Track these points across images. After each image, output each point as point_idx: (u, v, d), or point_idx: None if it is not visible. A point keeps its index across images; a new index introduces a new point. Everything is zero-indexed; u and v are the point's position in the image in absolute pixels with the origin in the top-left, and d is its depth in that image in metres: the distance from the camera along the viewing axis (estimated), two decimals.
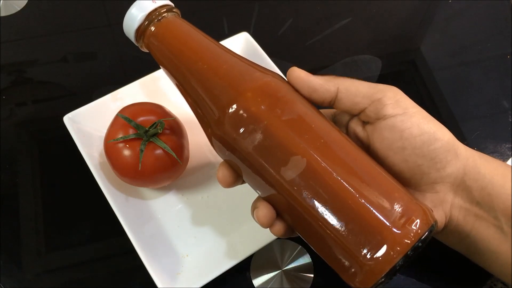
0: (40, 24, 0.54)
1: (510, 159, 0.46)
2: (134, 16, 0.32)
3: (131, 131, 0.38)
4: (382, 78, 0.52)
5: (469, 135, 0.48)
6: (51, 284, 0.40)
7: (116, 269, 0.41)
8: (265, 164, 0.28)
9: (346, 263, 0.27)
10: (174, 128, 0.40)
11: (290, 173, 0.27)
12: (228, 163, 0.31)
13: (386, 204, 0.27)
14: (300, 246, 0.41)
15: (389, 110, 0.30)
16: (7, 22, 0.54)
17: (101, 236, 0.42)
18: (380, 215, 0.26)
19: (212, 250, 0.40)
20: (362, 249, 0.26)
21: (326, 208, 0.27)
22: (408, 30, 0.57)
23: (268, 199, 0.30)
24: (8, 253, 0.41)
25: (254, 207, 0.31)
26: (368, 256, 0.26)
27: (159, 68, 0.46)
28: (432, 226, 0.27)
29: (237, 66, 0.30)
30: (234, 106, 0.28)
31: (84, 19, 0.55)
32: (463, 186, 0.31)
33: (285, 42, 0.54)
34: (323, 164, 0.27)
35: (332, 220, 0.27)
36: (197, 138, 0.43)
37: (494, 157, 0.47)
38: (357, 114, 0.32)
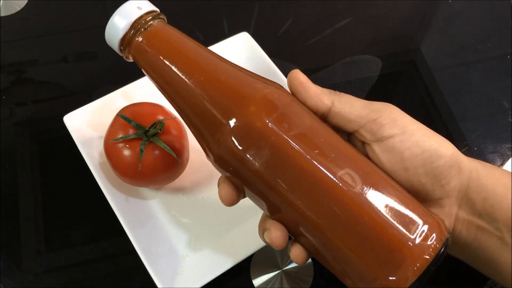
0: (40, 24, 0.54)
1: (510, 159, 0.46)
2: (117, 26, 0.29)
3: (131, 131, 0.38)
4: (382, 78, 0.52)
5: (469, 135, 0.48)
6: (51, 284, 0.40)
7: (116, 269, 0.41)
8: (276, 182, 0.27)
9: (365, 282, 0.26)
10: (174, 128, 0.40)
11: (303, 191, 0.26)
12: (229, 179, 0.30)
13: (403, 220, 0.26)
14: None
15: (387, 131, 0.29)
16: (7, 22, 0.54)
17: (101, 236, 0.42)
18: (398, 232, 0.26)
19: (212, 250, 0.40)
20: (381, 268, 0.25)
21: (342, 226, 0.26)
22: (408, 30, 0.57)
23: (278, 219, 0.29)
24: (8, 253, 0.41)
25: (263, 228, 0.30)
26: (387, 275, 0.25)
27: None
28: (447, 240, 0.27)
29: (236, 77, 0.28)
30: (237, 121, 0.26)
31: (84, 19, 0.55)
32: (466, 199, 0.30)
33: (285, 42, 0.54)
34: (335, 180, 0.26)
35: (349, 238, 0.26)
36: None
37: (494, 157, 0.47)
38: (351, 132, 0.31)
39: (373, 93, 0.51)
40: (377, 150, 0.29)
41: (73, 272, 0.41)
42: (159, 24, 0.30)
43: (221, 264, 0.38)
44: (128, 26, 0.29)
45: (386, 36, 0.56)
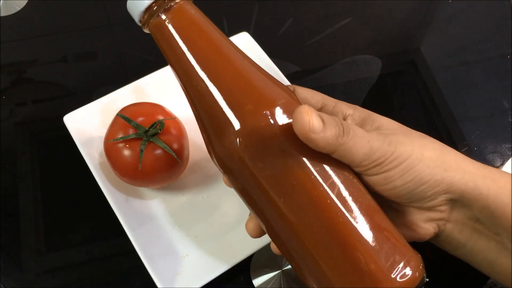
0: (40, 24, 0.54)
1: (510, 159, 0.46)
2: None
3: (131, 131, 0.38)
4: (382, 78, 0.52)
5: (469, 135, 0.48)
6: (51, 284, 0.40)
7: (116, 269, 0.41)
8: (267, 194, 0.27)
9: None
10: (174, 128, 0.40)
11: (295, 204, 0.26)
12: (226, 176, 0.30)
13: (384, 254, 0.26)
14: None
15: (376, 170, 0.29)
16: (7, 22, 0.54)
17: (101, 236, 0.42)
18: (377, 265, 0.26)
19: (212, 250, 0.40)
20: None
21: (324, 245, 0.26)
22: (408, 30, 0.57)
23: (260, 221, 0.30)
24: (8, 253, 0.41)
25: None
26: None
27: (159, 68, 0.46)
28: (423, 278, 0.27)
29: (254, 76, 0.28)
30: (244, 125, 0.26)
31: (84, 19, 0.55)
32: (460, 204, 0.31)
33: (285, 42, 0.54)
34: (331, 200, 0.26)
35: (328, 259, 0.26)
36: (197, 138, 0.43)
37: (494, 157, 0.47)
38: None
39: (373, 93, 0.51)
40: (361, 177, 0.30)
41: (73, 272, 0.41)
42: (185, 3, 0.28)
43: (221, 264, 0.38)
44: (151, 2, 0.27)
45: (386, 36, 0.56)
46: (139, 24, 0.29)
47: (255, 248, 0.39)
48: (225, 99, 0.27)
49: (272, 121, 0.27)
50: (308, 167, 0.27)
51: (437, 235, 0.32)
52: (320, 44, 0.54)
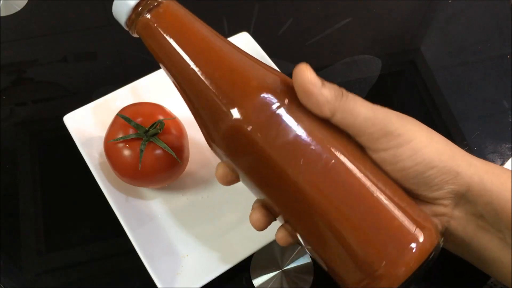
0: (40, 24, 0.54)
1: (510, 159, 0.46)
2: (125, 1, 0.28)
3: (131, 131, 0.38)
4: (382, 78, 0.52)
5: (469, 135, 0.48)
6: (51, 284, 0.40)
7: (116, 269, 0.41)
8: (277, 164, 0.27)
9: (352, 273, 0.26)
10: (174, 128, 0.40)
11: (306, 174, 0.26)
12: (226, 164, 0.30)
13: (399, 218, 0.26)
14: (300, 246, 0.41)
15: (383, 144, 0.29)
16: (7, 22, 0.54)
17: (101, 236, 0.42)
18: (393, 229, 0.26)
19: (212, 250, 0.40)
20: (373, 262, 0.26)
21: (341, 213, 0.26)
22: (408, 30, 0.57)
23: (269, 203, 0.29)
24: (8, 253, 0.41)
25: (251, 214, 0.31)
26: (372, 277, 0.25)
27: (159, 68, 0.46)
28: (439, 244, 0.27)
29: (245, 63, 0.28)
30: (242, 105, 0.27)
31: (84, 19, 0.55)
32: (465, 200, 0.30)
33: (285, 42, 0.54)
34: (338, 166, 0.26)
35: (345, 226, 0.26)
36: (197, 138, 0.43)
37: (494, 157, 0.47)
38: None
39: (373, 93, 0.51)
40: (370, 154, 0.30)
41: (73, 272, 0.41)
42: (169, 2, 0.29)
43: (221, 264, 0.38)
44: (135, 3, 0.28)
45: (386, 36, 0.56)
46: (126, 28, 0.30)
47: (255, 248, 0.39)
48: (228, 78, 0.27)
49: (279, 91, 0.27)
50: (322, 131, 0.27)
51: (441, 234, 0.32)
52: (320, 44, 0.54)
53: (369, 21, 0.57)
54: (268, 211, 0.31)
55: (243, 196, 0.42)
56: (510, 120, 0.50)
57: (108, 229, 0.42)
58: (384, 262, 0.25)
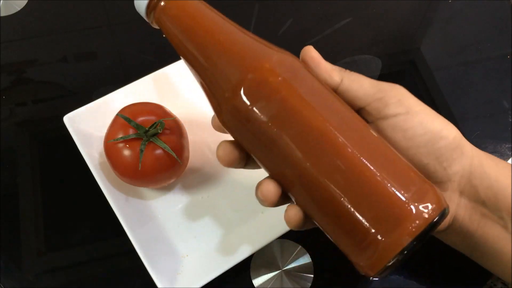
0: (40, 24, 0.54)
1: (510, 159, 0.46)
2: None
3: (131, 131, 0.38)
4: (382, 78, 0.52)
5: (469, 135, 0.48)
6: (51, 284, 0.40)
7: (116, 269, 0.41)
8: (281, 135, 0.27)
9: (359, 240, 0.27)
10: (174, 128, 0.40)
11: (308, 145, 0.27)
12: (234, 142, 0.30)
13: (402, 182, 0.27)
14: (300, 246, 0.41)
15: (392, 109, 0.30)
16: (7, 22, 0.54)
17: (101, 236, 0.42)
18: (397, 192, 0.26)
19: (212, 250, 0.40)
20: (377, 225, 0.26)
21: (343, 182, 0.27)
22: (408, 30, 0.57)
23: (277, 176, 0.30)
24: (8, 253, 0.41)
25: (257, 187, 0.30)
26: (383, 232, 0.26)
27: (159, 68, 0.46)
28: (445, 210, 0.27)
29: (254, 41, 0.30)
30: (251, 76, 0.28)
31: (84, 19, 0.55)
32: (469, 185, 0.31)
33: (285, 42, 0.54)
34: (341, 138, 0.27)
35: (348, 193, 0.27)
36: (197, 138, 0.43)
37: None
38: (357, 110, 0.31)
39: None
40: (380, 127, 0.30)
41: (73, 272, 0.41)
42: None
43: (221, 264, 0.38)
44: None
45: (386, 36, 0.56)
46: (146, 18, 0.31)
47: (255, 248, 0.39)
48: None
49: (294, 58, 0.30)
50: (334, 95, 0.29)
51: (449, 225, 0.32)
52: (320, 44, 0.54)
53: (369, 21, 0.57)
54: (278, 184, 0.30)
55: (244, 196, 0.42)
56: (510, 120, 0.50)
57: (108, 229, 0.42)
58: (395, 218, 0.26)
